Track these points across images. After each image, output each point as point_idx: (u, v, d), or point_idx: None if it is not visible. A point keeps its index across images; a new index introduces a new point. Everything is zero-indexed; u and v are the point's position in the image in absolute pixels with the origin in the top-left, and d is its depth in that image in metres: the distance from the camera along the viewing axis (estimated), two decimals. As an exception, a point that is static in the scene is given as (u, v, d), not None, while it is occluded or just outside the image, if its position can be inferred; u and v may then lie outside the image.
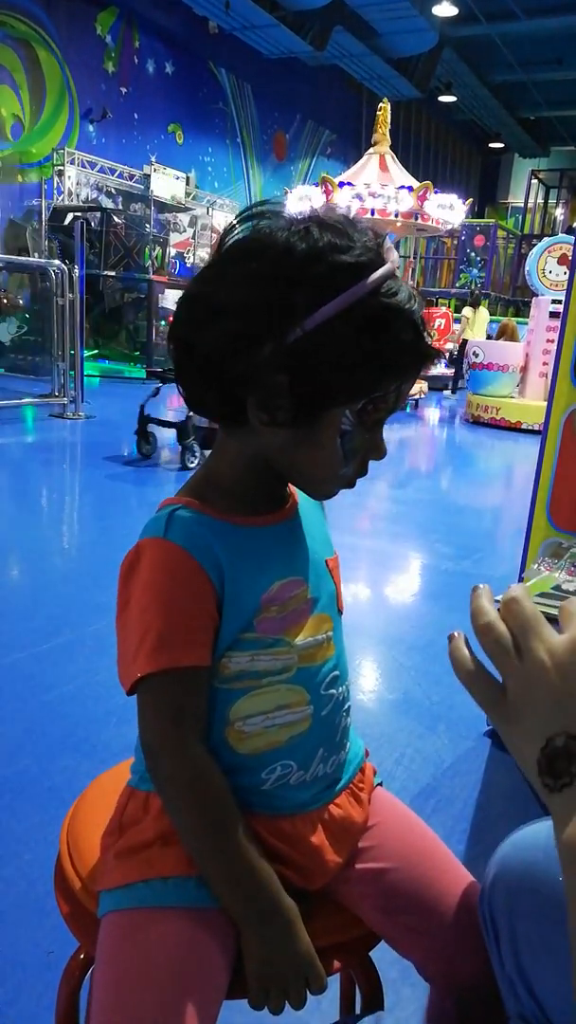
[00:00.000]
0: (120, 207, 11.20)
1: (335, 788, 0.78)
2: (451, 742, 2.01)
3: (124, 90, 11.89)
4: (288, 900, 0.68)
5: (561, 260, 8.60)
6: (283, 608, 0.73)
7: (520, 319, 11.20)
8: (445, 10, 12.23)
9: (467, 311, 11.29)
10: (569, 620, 0.53)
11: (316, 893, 0.75)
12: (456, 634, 0.56)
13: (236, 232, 0.69)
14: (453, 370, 12.24)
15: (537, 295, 9.05)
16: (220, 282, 0.67)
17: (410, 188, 8.83)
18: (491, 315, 14.27)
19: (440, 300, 15.26)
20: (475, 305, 11.32)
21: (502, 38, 13.70)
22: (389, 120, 9.43)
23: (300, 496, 0.79)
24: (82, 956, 0.78)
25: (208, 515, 0.71)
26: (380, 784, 0.86)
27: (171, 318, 0.74)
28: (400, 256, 15.10)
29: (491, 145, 20.21)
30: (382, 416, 0.69)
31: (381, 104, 9.38)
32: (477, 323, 11.16)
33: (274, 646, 0.72)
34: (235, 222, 0.70)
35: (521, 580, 1.99)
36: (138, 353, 10.67)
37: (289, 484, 0.78)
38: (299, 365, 0.64)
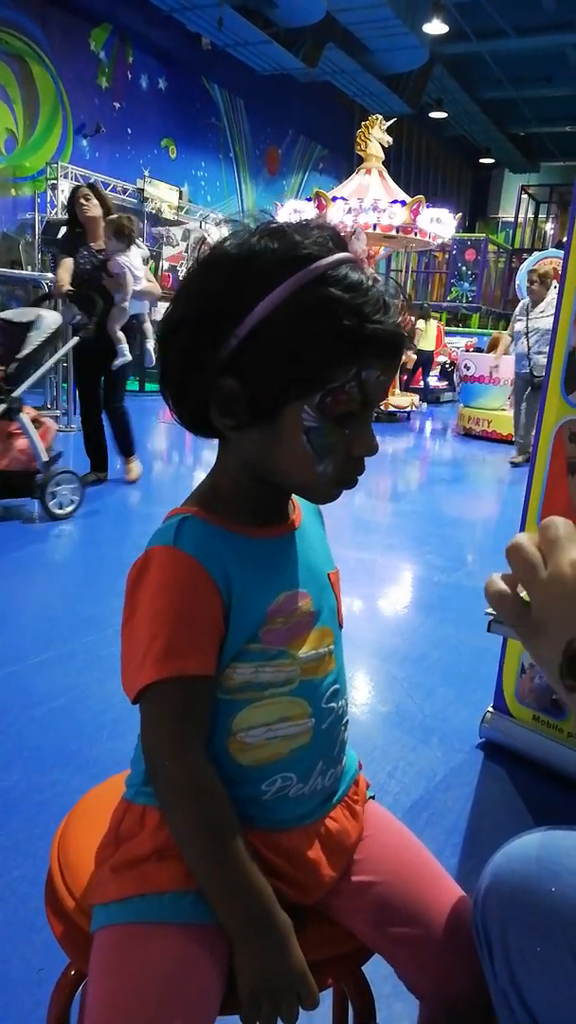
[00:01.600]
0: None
1: (331, 801, 0.78)
2: (444, 755, 2.01)
3: (117, 105, 11.95)
4: (283, 915, 0.67)
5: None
6: (288, 620, 0.73)
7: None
8: (435, 28, 12.36)
9: (420, 323, 11.55)
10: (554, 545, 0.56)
11: (309, 907, 0.75)
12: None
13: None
14: (445, 382, 12.40)
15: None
16: (177, 298, 0.71)
17: (403, 202, 8.91)
18: (482, 328, 14.34)
19: (432, 313, 15.36)
20: (425, 318, 11.79)
21: (492, 55, 13.86)
22: (385, 135, 9.51)
23: (302, 510, 0.80)
24: (73, 972, 0.77)
25: (216, 525, 0.71)
26: (373, 797, 0.86)
27: None
28: (393, 270, 15.20)
29: (482, 160, 20.39)
30: (347, 409, 0.67)
31: (369, 119, 9.47)
32: (427, 335, 11.69)
33: (278, 658, 0.72)
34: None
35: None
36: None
37: (292, 497, 0.79)
38: (243, 367, 0.66)
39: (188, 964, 0.66)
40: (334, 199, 9.09)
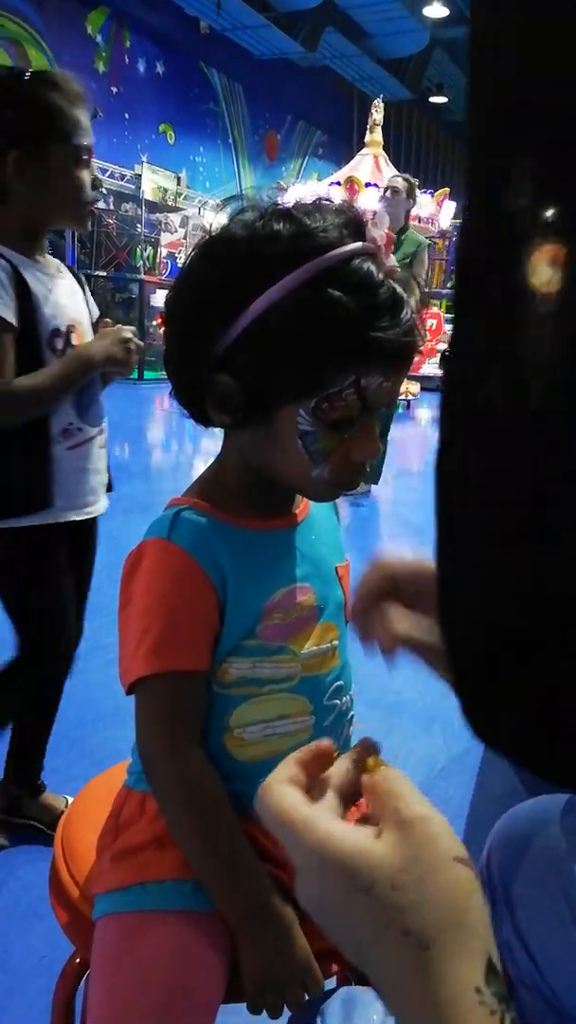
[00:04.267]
0: (111, 207, 11.17)
1: None
2: (445, 743, 2.01)
3: (115, 90, 11.85)
4: (284, 905, 0.67)
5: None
6: (287, 615, 0.72)
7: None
8: (436, 11, 12.25)
9: None
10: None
11: (313, 896, 0.75)
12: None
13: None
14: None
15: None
16: (175, 288, 0.69)
17: (431, 192, 9.00)
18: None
19: (432, 300, 15.27)
20: (425, 305, 11.63)
21: (493, 39, 13.75)
22: (381, 119, 9.45)
23: (312, 502, 0.79)
24: (77, 961, 0.77)
25: (214, 517, 0.70)
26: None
27: (159, 317, 0.75)
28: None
29: (482, 146, 20.29)
30: (345, 415, 0.64)
31: (375, 103, 9.40)
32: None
33: (277, 654, 0.71)
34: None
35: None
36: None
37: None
38: (238, 365, 0.63)
39: (190, 952, 0.65)
40: (367, 185, 8.98)
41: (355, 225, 0.64)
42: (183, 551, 0.68)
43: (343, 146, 16.59)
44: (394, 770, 0.43)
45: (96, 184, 1.28)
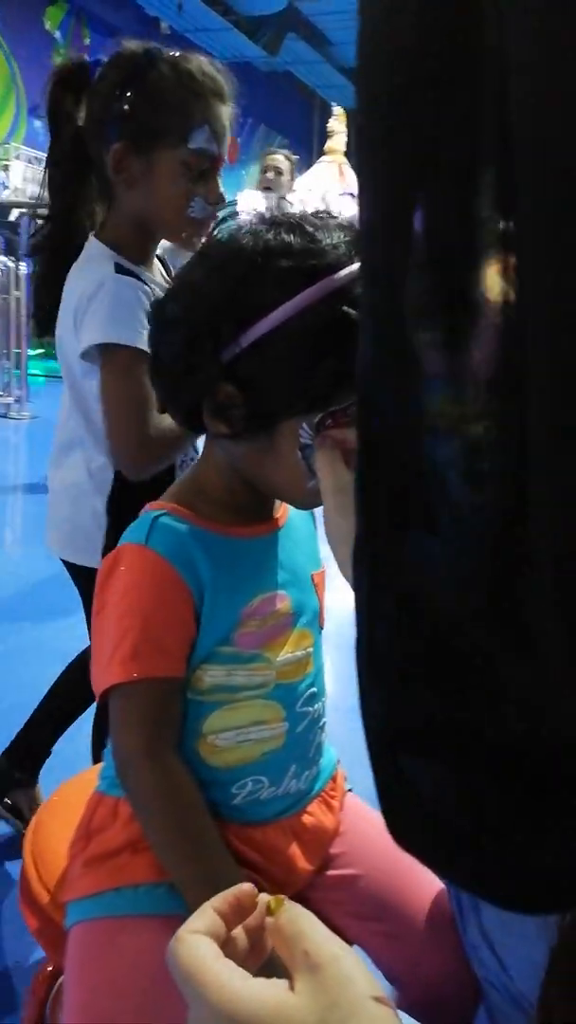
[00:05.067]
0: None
1: (307, 798, 0.78)
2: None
3: (74, 87, 11.74)
4: None
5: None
6: (263, 623, 0.72)
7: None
8: (396, 22, 12.39)
9: None
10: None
11: (287, 899, 0.76)
12: None
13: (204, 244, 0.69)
14: None
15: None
16: (175, 290, 0.68)
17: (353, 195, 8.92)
18: None
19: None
20: None
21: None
22: (342, 128, 9.50)
23: (290, 507, 0.79)
24: (50, 969, 0.76)
25: (193, 523, 0.70)
26: (350, 790, 0.87)
27: None
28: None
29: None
30: (347, 433, 0.64)
31: (335, 111, 9.45)
32: None
33: (252, 661, 0.71)
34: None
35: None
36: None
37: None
38: (244, 377, 0.63)
39: (166, 955, 0.65)
40: (340, 195, 8.95)
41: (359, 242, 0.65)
42: (161, 557, 0.67)
43: (303, 151, 16.66)
44: (298, 909, 0.41)
45: (217, 200, 1.06)
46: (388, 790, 0.35)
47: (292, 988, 0.37)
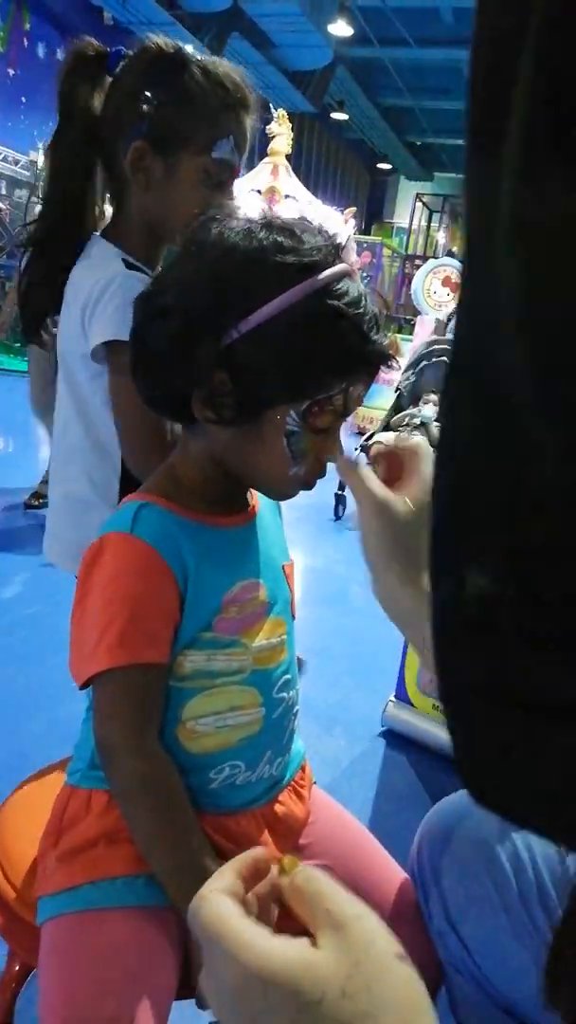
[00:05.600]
0: (3, 192, 10.75)
1: (279, 786, 0.79)
2: (347, 744, 2.06)
3: (12, 72, 11.42)
4: None
5: (445, 282, 8.99)
6: (242, 609, 0.73)
7: (404, 336, 11.62)
8: (340, 29, 12.50)
9: None
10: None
11: (257, 890, 0.76)
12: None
13: (191, 232, 0.70)
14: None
15: (421, 314, 9.42)
16: (167, 282, 0.69)
17: (341, 209, 9.03)
18: (382, 344, 14.57)
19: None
20: None
21: (393, 63, 14.18)
22: (284, 130, 9.53)
23: (260, 501, 0.81)
24: (17, 968, 0.75)
25: (175, 512, 0.71)
26: (315, 783, 0.89)
27: None
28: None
29: (379, 165, 20.84)
30: (329, 420, 0.69)
31: (277, 113, 9.48)
32: None
33: (230, 647, 0.72)
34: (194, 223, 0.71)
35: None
36: (19, 344, 10.25)
37: (250, 489, 0.79)
38: (239, 364, 0.65)
39: (145, 947, 0.65)
40: (286, 196, 8.99)
41: (335, 248, 0.69)
42: (148, 545, 0.68)
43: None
44: (313, 869, 0.42)
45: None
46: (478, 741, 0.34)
47: (315, 947, 0.37)
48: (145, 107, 0.98)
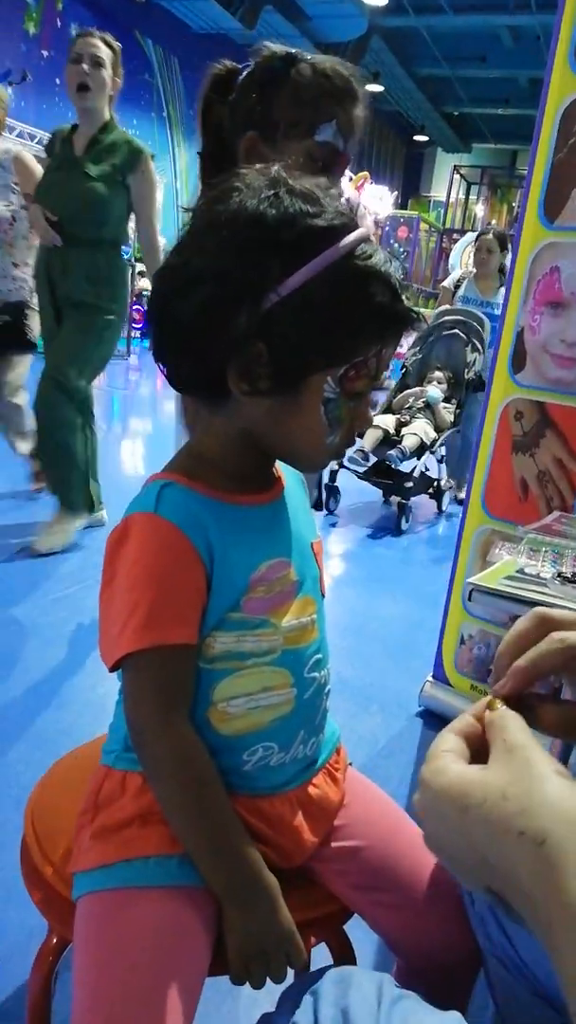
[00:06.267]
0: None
1: (313, 768, 0.79)
2: (384, 722, 2.06)
3: (46, 53, 11.43)
4: (270, 876, 0.68)
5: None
6: (270, 589, 0.73)
7: (441, 311, 11.47)
8: (376, -2, 12.27)
9: None
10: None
11: (291, 870, 0.76)
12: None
13: (210, 201, 0.68)
14: None
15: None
16: (194, 252, 0.67)
17: (350, 177, 8.87)
18: (412, 306, 14.46)
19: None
20: None
21: (429, 31, 13.85)
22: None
23: (286, 478, 0.79)
24: (55, 941, 0.76)
25: (199, 492, 0.70)
26: (351, 764, 0.88)
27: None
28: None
29: (416, 138, 20.44)
30: (364, 384, 0.69)
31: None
32: None
33: (260, 627, 0.72)
34: (209, 192, 0.70)
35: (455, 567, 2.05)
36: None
37: (276, 465, 0.78)
38: (277, 331, 0.64)
39: (177, 926, 0.66)
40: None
41: (350, 211, 0.69)
42: (172, 524, 0.67)
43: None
44: (507, 710, 0.49)
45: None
46: None
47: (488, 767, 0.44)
48: (254, 104, 1.08)
